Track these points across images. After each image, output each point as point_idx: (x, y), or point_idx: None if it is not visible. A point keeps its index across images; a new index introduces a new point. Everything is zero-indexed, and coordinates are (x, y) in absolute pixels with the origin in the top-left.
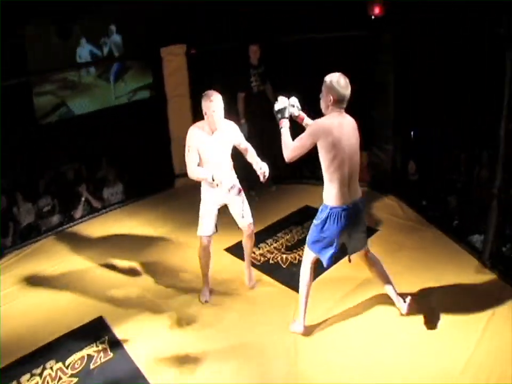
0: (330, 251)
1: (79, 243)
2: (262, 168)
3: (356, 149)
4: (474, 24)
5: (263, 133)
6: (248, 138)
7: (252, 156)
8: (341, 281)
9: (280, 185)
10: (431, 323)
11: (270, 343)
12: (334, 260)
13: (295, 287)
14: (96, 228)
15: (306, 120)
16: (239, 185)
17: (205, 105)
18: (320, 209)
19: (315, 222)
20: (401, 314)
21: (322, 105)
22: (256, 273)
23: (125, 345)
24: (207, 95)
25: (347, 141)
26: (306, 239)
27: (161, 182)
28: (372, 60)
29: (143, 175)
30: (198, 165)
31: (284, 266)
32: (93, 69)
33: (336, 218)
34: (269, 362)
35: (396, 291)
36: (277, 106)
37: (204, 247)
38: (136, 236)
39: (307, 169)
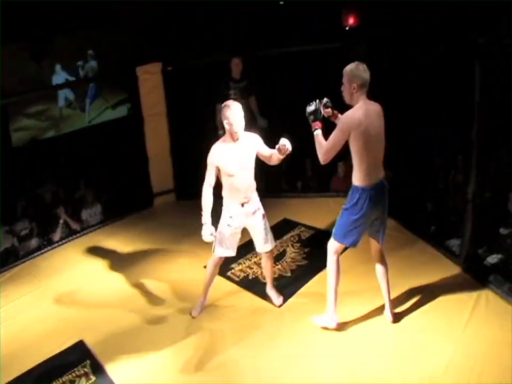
0: (355, 236)
1: (58, 266)
2: (279, 142)
3: (381, 133)
4: (449, 29)
5: None
6: None
7: (274, 154)
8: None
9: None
10: (411, 328)
11: (256, 358)
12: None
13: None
14: (76, 250)
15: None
16: (263, 211)
17: (224, 115)
18: (350, 192)
19: (345, 206)
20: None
21: (347, 96)
22: (235, 289)
23: (107, 369)
24: (226, 105)
25: (373, 127)
26: (333, 231)
27: (140, 201)
28: None
29: (121, 194)
30: (219, 178)
31: (264, 281)
32: (70, 96)
33: (367, 197)
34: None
35: (390, 298)
36: (309, 108)
37: (216, 264)
38: (116, 257)
39: (285, 182)
